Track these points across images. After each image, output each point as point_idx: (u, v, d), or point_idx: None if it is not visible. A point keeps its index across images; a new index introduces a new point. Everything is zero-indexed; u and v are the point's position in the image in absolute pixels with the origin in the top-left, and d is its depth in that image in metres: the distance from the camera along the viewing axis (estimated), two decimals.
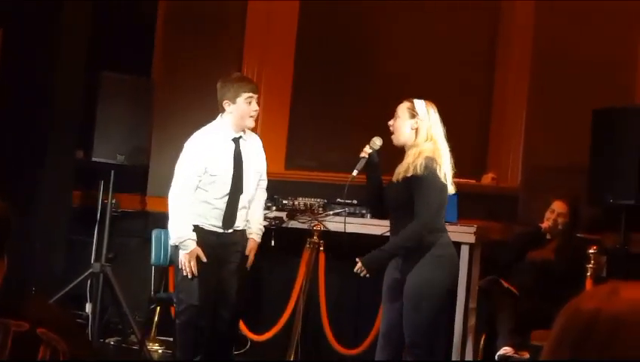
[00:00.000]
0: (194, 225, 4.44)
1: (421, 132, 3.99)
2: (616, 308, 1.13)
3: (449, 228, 5.34)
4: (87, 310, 6.01)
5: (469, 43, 6.46)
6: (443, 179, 3.94)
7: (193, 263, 4.39)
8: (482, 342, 5.08)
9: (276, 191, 5.96)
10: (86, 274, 5.79)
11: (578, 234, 5.16)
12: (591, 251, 4.76)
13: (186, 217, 4.42)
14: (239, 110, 4.49)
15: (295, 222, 5.65)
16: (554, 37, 5.61)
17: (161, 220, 5.81)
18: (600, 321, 1.14)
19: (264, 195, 4.79)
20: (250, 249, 4.67)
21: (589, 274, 4.71)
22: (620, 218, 4.92)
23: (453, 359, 5.29)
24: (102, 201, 6.06)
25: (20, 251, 5.74)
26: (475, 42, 6.46)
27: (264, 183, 4.75)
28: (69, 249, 6.38)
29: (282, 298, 5.71)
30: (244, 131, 4.58)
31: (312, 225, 5.56)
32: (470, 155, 6.30)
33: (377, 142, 4.13)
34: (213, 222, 4.48)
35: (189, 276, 4.40)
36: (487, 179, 6.07)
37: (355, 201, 5.38)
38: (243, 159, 4.52)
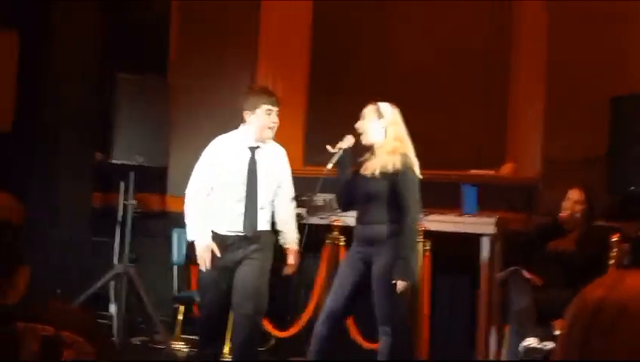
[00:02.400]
0: (211, 230, 4.55)
1: (388, 131, 4.35)
2: (620, 295, 1.17)
3: (470, 219, 5.37)
4: (111, 310, 6.05)
5: (485, 34, 6.44)
6: (418, 174, 4.33)
7: (207, 256, 4.48)
8: (506, 334, 5.06)
9: (295, 187, 5.97)
10: (110, 275, 5.84)
11: (599, 223, 5.13)
12: (613, 239, 4.74)
13: (199, 216, 4.54)
14: (258, 121, 4.59)
15: (315, 218, 5.66)
16: (570, 25, 5.57)
17: (181, 220, 5.82)
18: (605, 308, 1.17)
19: (290, 204, 4.80)
20: (291, 262, 4.76)
21: (611, 262, 4.69)
22: None
23: (477, 350, 5.29)
24: (122, 202, 6.10)
25: (44, 254, 5.78)
26: (491, 33, 6.43)
27: (287, 193, 4.77)
28: (91, 250, 6.43)
29: (305, 294, 5.73)
30: (264, 142, 4.66)
31: (332, 220, 5.57)
32: (489, 147, 6.29)
33: (350, 140, 4.45)
34: (227, 226, 4.56)
35: (204, 269, 4.51)
36: (506, 170, 6.05)
37: None
38: (257, 168, 4.61)
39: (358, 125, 4.40)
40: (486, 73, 6.40)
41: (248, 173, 4.57)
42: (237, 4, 6.74)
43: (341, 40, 6.93)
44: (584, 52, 5.49)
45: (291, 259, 4.76)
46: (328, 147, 4.46)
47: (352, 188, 4.44)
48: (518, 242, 5.28)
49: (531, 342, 4.69)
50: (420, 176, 4.36)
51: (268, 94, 4.67)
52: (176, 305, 5.79)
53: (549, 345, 4.63)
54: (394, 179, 4.25)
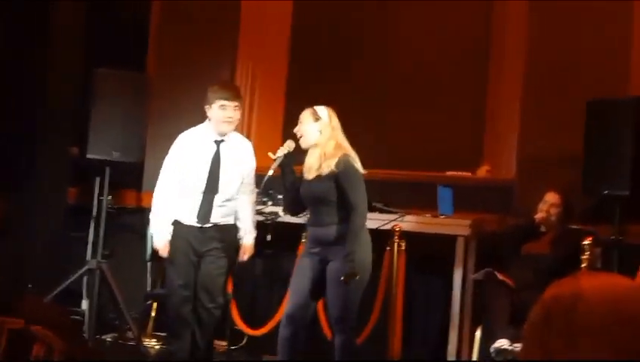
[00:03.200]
0: (175, 220, 4.69)
1: (324, 133, 4.39)
2: (575, 288, 1.18)
3: (445, 220, 5.40)
4: (83, 306, 6.01)
5: (463, 35, 6.47)
6: (361, 170, 4.36)
7: (164, 252, 4.67)
8: (477, 335, 5.09)
9: (272, 185, 5.97)
10: (82, 270, 5.80)
11: (573, 226, 5.17)
12: (586, 242, 4.77)
13: (163, 212, 4.69)
14: (214, 115, 4.73)
15: (290, 216, 5.66)
16: (548, 28, 5.61)
17: None
18: (559, 301, 1.21)
19: (251, 198, 4.91)
20: (244, 251, 4.85)
21: (584, 265, 4.73)
22: (615, 209, 4.94)
23: (449, 351, 5.32)
24: (97, 198, 6.06)
25: (17, 248, 5.73)
26: (469, 34, 6.46)
27: (249, 187, 4.88)
28: (65, 246, 6.39)
29: (278, 292, 5.72)
30: (226, 135, 4.77)
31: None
32: (465, 148, 6.32)
33: (291, 144, 4.52)
34: (191, 216, 4.68)
35: (170, 263, 4.69)
36: (482, 171, 6.08)
37: None
38: (221, 161, 4.72)
39: (296, 129, 4.46)
40: (463, 75, 6.43)
41: (211, 165, 4.68)
42: (217, 2, 6.72)
43: (319, 40, 6.93)
44: (563, 54, 5.52)
45: (243, 254, 4.82)
46: (270, 154, 4.52)
47: (298, 193, 4.48)
48: (493, 243, 5.30)
49: (502, 343, 4.71)
50: (364, 171, 4.39)
51: (224, 89, 4.79)
52: (149, 302, 5.76)
53: (520, 346, 4.65)
54: (336, 179, 4.30)
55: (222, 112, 4.69)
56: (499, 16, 6.22)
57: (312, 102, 6.69)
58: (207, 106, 4.74)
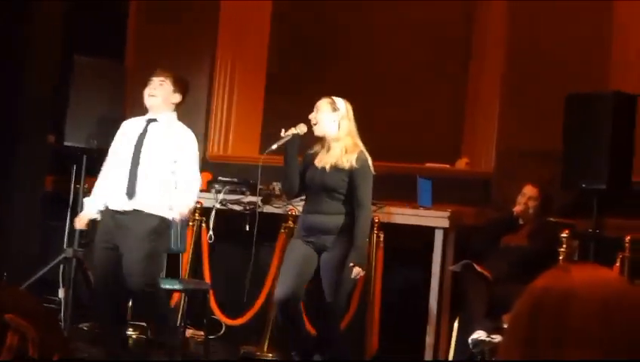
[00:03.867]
0: (103, 207, 4.66)
1: (342, 126, 4.43)
2: (566, 283, 1.15)
3: (424, 212, 5.41)
4: (60, 295, 5.96)
5: (444, 30, 6.48)
6: (373, 170, 4.46)
7: (79, 223, 4.75)
8: (455, 326, 5.11)
9: (251, 176, 5.95)
10: (59, 259, 5.75)
11: (551, 219, 5.20)
12: (563, 235, 4.80)
13: (96, 189, 4.75)
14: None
15: (270, 206, 5.65)
16: (528, 22, 5.63)
17: None
18: (550, 295, 1.16)
19: (189, 188, 4.67)
20: (174, 209, 4.60)
21: (561, 258, 4.76)
22: (592, 202, 4.96)
23: (427, 341, 5.34)
24: (74, 186, 6.00)
25: None
26: (450, 28, 6.47)
27: (187, 174, 4.65)
28: (42, 234, 6.33)
29: (257, 282, 5.71)
30: (154, 113, 4.70)
31: (287, 209, 5.57)
32: (444, 140, 6.34)
33: (303, 128, 4.51)
34: (116, 201, 4.60)
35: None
36: (461, 164, 6.10)
37: None
38: (145, 141, 4.62)
39: (312, 116, 4.45)
40: (444, 68, 6.45)
41: (136, 141, 4.62)
42: None
43: (299, 35, 6.92)
44: (542, 48, 5.54)
45: (174, 213, 4.57)
46: (282, 131, 4.50)
47: (303, 178, 4.50)
48: (471, 235, 5.32)
49: (480, 334, 4.74)
50: (374, 172, 4.46)
51: (157, 68, 4.81)
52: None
53: (497, 338, 4.68)
54: (351, 175, 4.35)
55: (147, 88, 4.70)
56: (479, 10, 6.23)
57: (291, 98, 6.71)
58: None
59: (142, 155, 4.61)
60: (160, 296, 4.75)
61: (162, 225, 4.62)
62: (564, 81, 5.35)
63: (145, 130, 4.67)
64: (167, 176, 4.62)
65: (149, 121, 4.71)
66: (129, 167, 4.60)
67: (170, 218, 4.63)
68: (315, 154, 4.49)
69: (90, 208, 4.71)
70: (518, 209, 5.14)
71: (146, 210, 4.56)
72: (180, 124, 4.80)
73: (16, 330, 1.46)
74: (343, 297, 4.45)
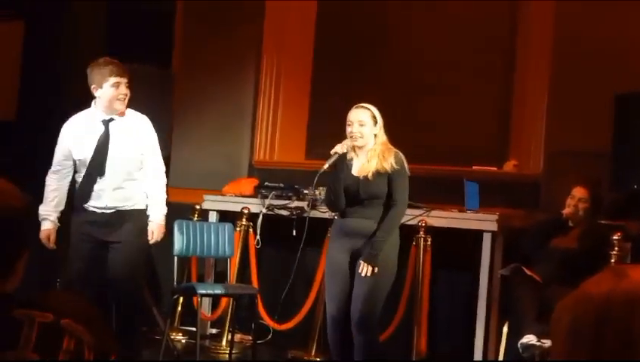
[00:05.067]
0: (74, 205, 4.57)
1: (379, 135, 4.46)
2: (628, 289, 1.13)
3: (471, 216, 5.37)
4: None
5: (489, 29, 6.42)
6: (407, 170, 4.45)
7: (50, 241, 4.56)
8: (505, 330, 5.06)
9: (297, 181, 5.97)
10: None
11: (601, 221, 5.12)
12: (615, 237, 4.73)
13: (48, 199, 4.59)
14: (107, 95, 4.54)
15: (316, 211, 5.66)
16: (575, 21, 5.55)
17: (183, 211, 5.85)
18: (614, 304, 1.14)
19: (154, 176, 4.69)
20: (152, 231, 4.64)
21: (613, 260, 4.68)
22: None
23: (476, 346, 5.29)
24: None
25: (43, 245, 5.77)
26: (495, 28, 6.42)
27: (152, 165, 4.68)
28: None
29: (304, 287, 5.73)
30: (120, 115, 4.61)
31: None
32: (492, 143, 6.28)
33: (350, 143, 4.46)
34: (88, 202, 4.54)
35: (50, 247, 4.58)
36: (509, 166, 6.04)
37: None
38: (110, 141, 4.55)
39: (357, 130, 4.39)
40: (490, 69, 6.39)
41: (97, 146, 4.52)
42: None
43: (344, 36, 6.92)
44: (590, 47, 5.47)
45: (151, 235, 4.62)
46: (335, 150, 4.44)
47: (344, 190, 4.45)
48: (520, 238, 5.26)
49: (530, 339, 4.68)
50: (409, 173, 4.44)
51: (113, 66, 4.57)
52: (176, 296, 5.78)
53: (547, 342, 4.62)
54: (390, 176, 4.36)
55: (115, 90, 4.52)
56: (525, 9, 6.17)
57: (337, 101, 6.71)
58: (94, 86, 4.54)
59: (110, 164, 4.53)
60: (142, 294, 4.76)
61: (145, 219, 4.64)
62: (612, 79, 5.27)
63: (107, 134, 4.54)
64: (138, 169, 4.63)
65: (107, 121, 4.57)
66: (84, 177, 4.53)
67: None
68: (350, 164, 4.46)
69: (47, 225, 4.55)
70: (567, 211, 5.08)
71: (128, 207, 4.57)
72: (135, 113, 4.70)
73: (72, 335, 1.49)
74: (378, 307, 4.34)
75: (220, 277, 5.81)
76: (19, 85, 6.53)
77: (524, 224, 5.43)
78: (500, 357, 5.07)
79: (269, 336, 5.94)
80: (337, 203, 4.45)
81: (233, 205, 6.06)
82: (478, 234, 5.30)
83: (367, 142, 4.43)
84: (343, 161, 4.43)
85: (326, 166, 4.40)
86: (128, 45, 6.54)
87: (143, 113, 5.84)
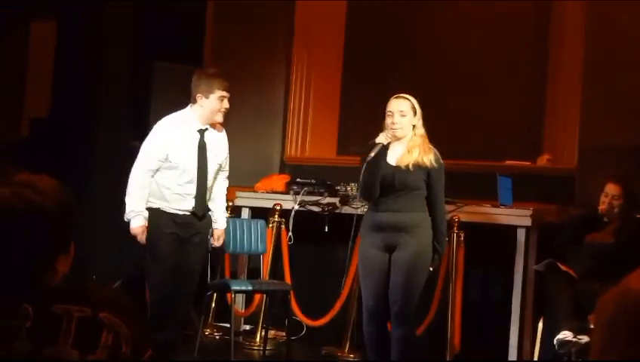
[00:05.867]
0: (155, 208, 4.62)
1: (418, 126, 4.46)
2: None
3: (505, 211, 5.32)
4: (146, 296, 6.08)
5: (522, 23, 6.37)
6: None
7: (141, 238, 4.61)
8: (540, 326, 5.01)
9: (328, 177, 5.96)
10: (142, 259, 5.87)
11: (637, 216, 5.05)
12: None
13: (140, 195, 4.60)
14: (211, 106, 4.63)
15: (348, 207, 5.65)
16: (607, 14, 5.49)
17: None
18: None
19: (225, 184, 4.91)
20: (218, 236, 4.84)
21: None
22: None
23: (511, 342, 5.25)
24: None
25: (79, 240, 5.83)
26: (528, 22, 6.37)
27: (225, 174, 4.89)
28: (127, 237, 6.47)
29: (337, 283, 5.72)
30: (214, 125, 4.72)
31: (365, 210, 5.55)
32: (525, 137, 6.23)
33: (391, 133, 4.45)
34: (174, 205, 4.62)
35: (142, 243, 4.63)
36: (543, 160, 5.99)
37: None
38: (207, 150, 4.67)
39: (399, 121, 4.39)
40: (523, 63, 6.34)
41: (199, 156, 4.62)
42: None
43: (374, 32, 6.90)
44: (624, 40, 5.39)
45: (216, 239, 4.82)
46: (379, 139, 4.43)
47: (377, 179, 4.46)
48: (555, 234, 5.21)
49: (566, 335, 4.64)
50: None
51: (222, 79, 4.67)
52: (209, 292, 5.81)
53: (584, 338, 4.57)
54: (429, 173, 4.37)
55: (220, 103, 4.63)
56: (558, 3, 6.10)
57: (368, 92, 6.70)
58: (199, 95, 4.61)
59: (207, 172, 4.66)
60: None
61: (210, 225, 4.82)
62: None
63: (203, 143, 4.66)
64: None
65: (202, 131, 4.67)
66: (193, 182, 4.62)
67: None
68: (386, 154, 4.44)
69: (141, 219, 4.61)
70: (602, 208, 5.02)
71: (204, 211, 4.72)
72: (220, 128, 4.82)
73: (111, 328, 1.50)
74: (415, 298, 4.37)
75: (253, 274, 5.83)
76: (52, 84, 6.60)
77: (558, 219, 5.37)
78: (536, 354, 5.02)
79: (303, 333, 5.94)
80: (373, 190, 4.42)
81: (265, 201, 6.07)
82: (511, 230, 5.26)
83: (406, 133, 4.43)
84: (384, 152, 4.43)
85: (372, 154, 4.36)
86: (159, 44, 6.59)
87: (174, 112, 5.91)
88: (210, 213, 4.77)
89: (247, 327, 6.22)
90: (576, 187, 5.58)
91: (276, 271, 5.94)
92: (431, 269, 4.40)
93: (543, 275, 5.02)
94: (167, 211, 4.62)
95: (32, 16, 7.21)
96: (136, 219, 4.61)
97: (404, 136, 4.44)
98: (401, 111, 4.41)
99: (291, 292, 5.48)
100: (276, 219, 5.92)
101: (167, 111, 5.91)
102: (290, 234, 5.91)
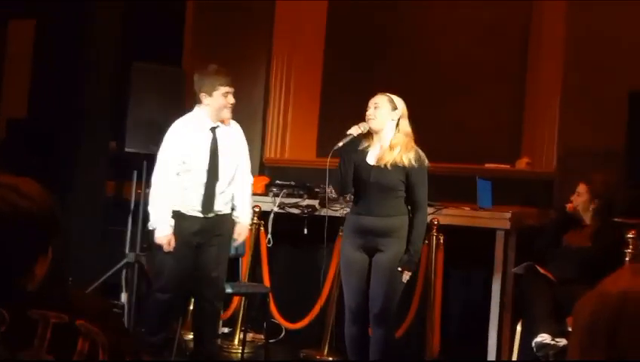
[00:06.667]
0: (175, 211, 4.62)
1: (401, 125, 4.39)
2: None
3: (484, 214, 5.34)
4: (122, 299, 6.05)
5: (501, 28, 6.40)
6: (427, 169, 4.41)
7: (171, 245, 4.58)
8: (518, 329, 5.03)
9: (308, 179, 5.95)
10: (121, 264, 5.84)
11: (615, 219, 5.08)
12: (629, 235, 4.69)
13: (164, 203, 4.60)
14: (216, 103, 4.65)
15: (328, 209, 5.65)
16: (587, 18, 5.52)
17: None
18: (630, 301, 1.16)
19: (249, 179, 4.88)
20: (240, 233, 4.82)
21: (627, 259, 4.65)
22: None
23: (489, 345, 5.27)
24: (135, 191, 6.09)
25: (57, 242, 5.79)
26: (508, 27, 6.39)
27: (247, 168, 4.86)
28: (104, 239, 6.43)
29: (316, 286, 5.71)
30: (222, 121, 4.72)
31: (345, 212, 5.55)
32: (504, 140, 6.26)
33: (366, 126, 4.43)
34: (193, 206, 4.63)
35: (166, 252, 4.61)
36: (522, 164, 6.01)
37: None
38: (219, 147, 4.67)
39: (371, 113, 4.39)
40: (502, 67, 6.37)
41: (210, 153, 4.63)
42: None
43: (355, 35, 6.90)
44: (603, 44, 5.43)
45: (238, 236, 4.79)
46: (351, 130, 4.42)
47: (354, 175, 4.43)
48: (534, 237, 5.23)
49: (544, 337, 4.65)
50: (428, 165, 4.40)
51: (224, 75, 4.69)
52: (187, 296, 5.77)
53: (562, 341, 4.59)
54: (408, 173, 4.30)
55: (224, 99, 4.64)
56: (538, 8, 6.13)
57: (348, 99, 6.69)
58: (203, 94, 4.62)
59: (219, 170, 4.66)
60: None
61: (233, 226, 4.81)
62: (625, 77, 5.24)
63: (215, 141, 4.67)
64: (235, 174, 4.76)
65: (214, 128, 4.69)
66: (205, 182, 4.62)
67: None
68: (366, 152, 4.43)
69: (168, 227, 4.59)
70: (569, 206, 5.07)
71: (226, 211, 4.72)
72: (234, 123, 4.82)
73: (87, 336, 1.48)
74: (395, 300, 4.37)
75: (232, 276, 5.80)
76: (30, 84, 6.54)
77: (537, 222, 5.40)
78: (514, 357, 5.04)
79: (281, 335, 5.93)
80: (344, 183, 4.43)
81: None
82: (490, 233, 5.27)
83: (382, 127, 4.38)
84: (357, 145, 4.40)
85: (340, 144, 4.35)
86: (139, 44, 6.55)
87: (153, 111, 5.87)
88: (235, 210, 4.76)
89: (226, 330, 6.18)
90: (554, 190, 5.61)
91: (255, 273, 5.92)
92: (399, 269, 4.29)
93: (522, 278, 5.03)
94: (188, 214, 4.62)
95: (10, 14, 7.14)
96: (161, 228, 4.58)
97: (380, 130, 4.38)
98: (376, 103, 4.39)
99: (270, 294, 5.46)
100: (255, 221, 5.90)
101: (145, 112, 5.90)
102: (269, 236, 5.89)
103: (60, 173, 6.16)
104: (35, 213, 1.52)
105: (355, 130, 4.38)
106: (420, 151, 4.38)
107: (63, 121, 6.27)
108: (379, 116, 4.37)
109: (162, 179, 4.61)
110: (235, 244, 4.88)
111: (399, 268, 4.29)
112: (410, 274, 4.33)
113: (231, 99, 4.67)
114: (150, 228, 4.67)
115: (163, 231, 4.57)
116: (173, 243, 4.58)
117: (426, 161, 4.37)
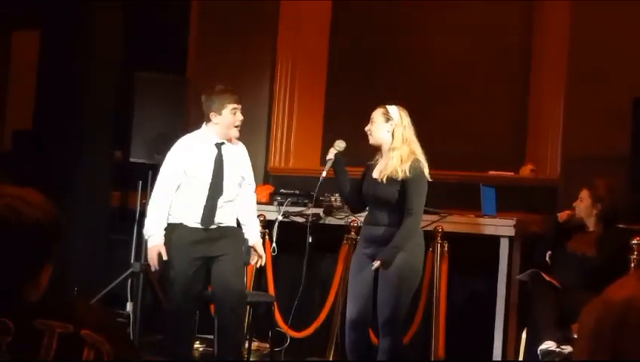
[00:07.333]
0: (177, 223, 4.67)
1: (397, 135, 4.36)
2: None
3: (488, 221, 5.34)
4: (128, 309, 6.06)
5: (505, 32, 6.40)
6: (428, 177, 4.37)
7: (156, 257, 4.63)
8: (523, 336, 5.02)
9: (312, 187, 5.96)
10: (126, 273, 5.84)
11: (619, 226, 5.07)
12: (634, 242, 4.68)
13: (159, 215, 4.66)
14: (225, 121, 4.71)
15: (332, 218, 5.65)
16: (591, 23, 5.53)
17: None
18: (633, 310, 1.17)
19: (253, 198, 4.96)
20: (258, 254, 4.89)
21: (633, 265, 4.64)
22: None
23: (494, 352, 5.26)
24: (140, 201, 6.10)
25: (61, 252, 5.80)
26: (511, 31, 6.40)
27: (252, 188, 4.94)
28: (109, 249, 6.45)
29: (321, 294, 5.71)
30: (229, 140, 4.79)
31: (349, 220, 5.56)
32: (508, 147, 6.26)
33: (341, 144, 4.56)
34: (196, 219, 4.68)
35: (152, 269, 4.72)
36: (526, 170, 6.01)
37: None
38: (224, 163, 4.73)
39: (367, 128, 4.44)
40: (506, 73, 6.37)
41: (214, 168, 4.69)
42: (257, 3, 6.74)
43: (358, 43, 6.91)
44: (607, 50, 5.43)
45: (255, 257, 4.87)
46: (329, 155, 4.55)
47: (358, 192, 4.51)
48: (537, 244, 5.22)
49: (549, 345, 4.65)
50: (430, 179, 4.39)
51: (231, 93, 4.77)
52: None
53: (567, 348, 4.58)
54: (403, 184, 4.30)
55: (233, 117, 4.71)
56: (541, 12, 6.14)
57: (352, 102, 6.71)
58: (212, 113, 4.69)
59: (224, 185, 4.71)
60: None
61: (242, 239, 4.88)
62: (630, 82, 5.23)
63: (220, 157, 4.72)
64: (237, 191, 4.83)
65: (219, 145, 4.74)
66: (206, 196, 4.66)
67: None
68: (374, 166, 4.47)
69: (157, 241, 4.63)
70: (561, 215, 5.06)
71: (227, 223, 4.75)
72: (239, 143, 4.91)
73: (92, 346, 1.49)
74: (402, 311, 4.38)
75: None
76: (35, 95, 6.57)
77: (542, 229, 5.39)
78: None
79: (287, 344, 5.92)
80: (348, 204, 4.63)
81: None
82: (495, 240, 5.27)
83: (379, 141, 4.41)
84: (342, 163, 4.51)
85: (324, 174, 4.48)
86: (143, 54, 6.57)
87: (157, 120, 5.90)
88: (244, 229, 4.84)
89: None
90: (559, 197, 5.60)
91: (260, 282, 5.92)
92: (373, 266, 4.28)
93: (527, 285, 5.03)
94: (191, 226, 4.66)
95: (14, 25, 7.18)
96: (152, 239, 4.64)
97: (379, 144, 4.42)
98: (371, 118, 4.43)
99: (275, 303, 5.46)
100: (260, 230, 5.90)
101: (150, 122, 5.92)
102: (274, 245, 5.89)
103: (65, 184, 6.17)
104: (41, 221, 1.54)
105: (331, 154, 4.50)
106: (421, 159, 4.36)
107: (68, 131, 6.29)
108: (374, 131, 4.42)
109: (161, 192, 4.69)
110: (262, 263, 4.95)
111: (377, 261, 4.28)
112: (377, 264, 4.27)
113: (239, 116, 4.73)
114: (145, 237, 4.75)
115: (152, 241, 4.65)
116: (164, 254, 4.62)
117: (425, 170, 4.35)
